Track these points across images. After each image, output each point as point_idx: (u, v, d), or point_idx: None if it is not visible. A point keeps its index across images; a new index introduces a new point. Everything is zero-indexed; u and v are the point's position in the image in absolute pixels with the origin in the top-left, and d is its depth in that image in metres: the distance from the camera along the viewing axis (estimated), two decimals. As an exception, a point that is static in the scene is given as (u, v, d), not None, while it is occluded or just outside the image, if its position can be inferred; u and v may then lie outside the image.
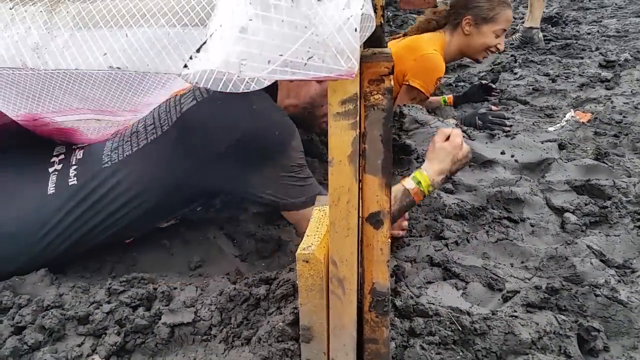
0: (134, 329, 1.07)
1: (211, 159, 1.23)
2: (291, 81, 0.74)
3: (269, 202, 1.27)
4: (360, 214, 0.86)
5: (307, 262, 0.87)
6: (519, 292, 1.23)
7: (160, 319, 1.09)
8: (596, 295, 1.22)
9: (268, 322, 1.03)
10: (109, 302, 1.15)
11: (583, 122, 2.18)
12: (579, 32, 3.91)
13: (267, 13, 0.50)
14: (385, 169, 0.82)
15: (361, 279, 0.90)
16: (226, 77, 0.50)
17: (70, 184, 1.25)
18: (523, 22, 3.69)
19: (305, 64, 0.53)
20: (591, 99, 2.54)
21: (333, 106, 0.77)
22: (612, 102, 2.48)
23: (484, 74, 2.95)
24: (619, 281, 1.30)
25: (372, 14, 0.60)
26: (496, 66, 3.07)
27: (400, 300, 1.11)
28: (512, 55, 3.21)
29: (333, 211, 0.84)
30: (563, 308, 1.19)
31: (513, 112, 2.48)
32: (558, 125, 2.22)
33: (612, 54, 3.20)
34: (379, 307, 0.91)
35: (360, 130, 0.80)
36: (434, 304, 1.14)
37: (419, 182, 1.33)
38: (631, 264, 1.40)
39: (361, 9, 0.58)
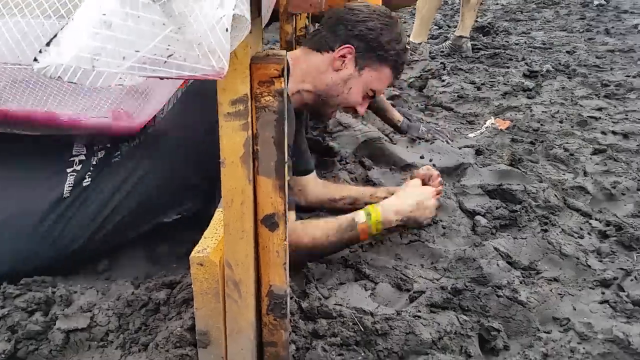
0: (26, 335, 1.02)
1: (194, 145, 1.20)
2: (161, 78, 0.74)
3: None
4: (256, 217, 0.85)
5: (201, 265, 0.86)
6: (424, 292, 1.26)
7: (55, 324, 1.04)
8: (498, 296, 1.27)
9: (167, 327, 1.00)
10: (2, 307, 1.10)
11: (502, 129, 2.27)
12: (508, 42, 4.07)
13: (124, 9, 0.48)
14: (279, 171, 0.82)
15: (258, 281, 0.90)
16: (81, 72, 0.48)
17: (84, 185, 1.22)
18: (454, 31, 3.81)
19: (165, 61, 0.52)
20: (512, 107, 2.65)
21: (223, 106, 0.77)
22: (531, 110, 2.59)
23: (412, 79, 3.01)
24: (522, 282, 1.35)
25: (247, 15, 0.60)
26: (425, 73, 3.14)
27: (307, 302, 1.11)
28: (441, 63, 3.30)
29: (227, 213, 0.83)
30: (466, 308, 1.23)
31: (437, 118, 2.55)
32: (478, 131, 2.30)
33: (536, 65, 3.35)
34: (277, 309, 0.91)
35: (253, 131, 0.79)
36: (341, 305, 1.15)
37: (369, 214, 1.30)
38: (536, 265, 1.47)
39: (233, 9, 0.57)
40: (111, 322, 1.03)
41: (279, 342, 0.94)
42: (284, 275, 0.88)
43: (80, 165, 1.24)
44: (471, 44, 3.76)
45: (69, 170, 1.23)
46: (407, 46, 1.52)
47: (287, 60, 0.82)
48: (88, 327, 1.02)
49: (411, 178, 1.60)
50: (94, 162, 1.25)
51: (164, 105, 1.27)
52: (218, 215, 0.97)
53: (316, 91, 1.47)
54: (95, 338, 1.02)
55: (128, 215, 1.24)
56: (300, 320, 1.05)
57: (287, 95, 0.82)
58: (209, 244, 0.88)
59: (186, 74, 0.53)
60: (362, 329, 1.05)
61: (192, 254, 0.86)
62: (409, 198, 1.41)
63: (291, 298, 1.11)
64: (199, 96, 1.24)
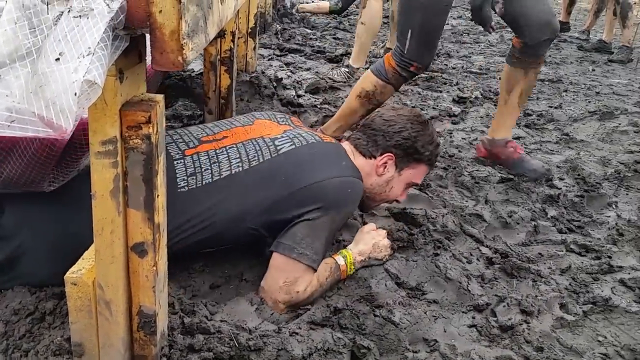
0: None
1: (286, 194, 1.39)
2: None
3: (280, 236, 1.40)
4: (127, 244, 0.94)
5: (75, 284, 0.94)
6: (309, 309, 1.37)
7: (-57, 330, 1.09)
8: (375, 316, 1.39)
9: (50, 335, 1.07)
10: None
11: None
12: (447, 65, 4.26)
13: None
14: (148, 204, 0.91)
15: (130, 301, 0.98)
16: None
17: None
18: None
19: (9, 125, 0.60)
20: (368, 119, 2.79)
21: (94, 145, 0.85)
22: (452, 136, 2.75)
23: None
24: (400, 303, 1.47)
25: (99, 80, 0.68)
26: (362, 92, 3.27)
27: (190, 318, 1.20)
28: (379, 83, 3.44)
29: (98, 240, 0.91)
30: (343, 326, 1.34)
31: (365, 138, 2.67)
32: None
33: (468, 90, 3.54)
34: (147, 327, 1.00)
35: (122, 168, 0.88)
36: (225, 322, 1.25)
37: (345, 257, 1.52)
38: (422, 287, 1.60)
39: (84, 76, 0.66)
40: (-3, 329, 1.10)
41: (149, 356, 1.02)
42: (153, 297, 0.97)
43: None
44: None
45: None
46: (438, 142, 1.72)
47: (160, 105, 0.90)
48: (-26, 333, 1.08)
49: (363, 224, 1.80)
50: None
51: (250, 157, 1.43)
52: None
53: (364, 189, 1.61)
54: (-20, 344, 1.08)
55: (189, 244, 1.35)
56: (179, 335, 1.13)
57: None
58: (84, 266, 0.96)
59: (29, 135, 0.61)
60: (237, 345, 1.15)
61: (67, 274, 0.94)
62: (366, 242, 1.60)
63: (175, 314, 1.19)
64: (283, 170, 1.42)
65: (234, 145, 1.46)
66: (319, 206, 1.39)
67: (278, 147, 1.45)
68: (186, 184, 1.35)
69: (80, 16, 0.74)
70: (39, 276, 1.22)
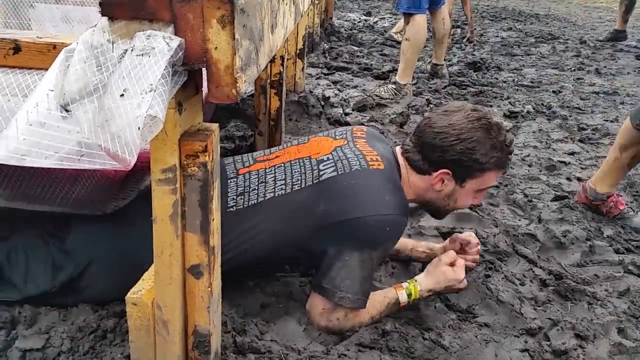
0: (-14, 353, 1.15)
1: (324, 225, 1.33)
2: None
3: (320, 275, 1.34)
4: (184, 266, 0.98)
5: (135, 305, 0.99)
6: (357, 331, 1.37)
7: (14, 343, 1.17)
8: (424, 339, 1.39)
9: (111, 352, 1.13)
10: (-30, 325, 1.23)
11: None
12: (497, 79, 4.20)
13: (47, 120, 0.62)
14: (204, 229, 0.95)
15: (185, 321, 1.02)
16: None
17: None
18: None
19: (79, 159, 0.65)
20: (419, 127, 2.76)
21: (155, 173, 0.90)
22: (503, 152, 2.70)
23: (395, 116, 3.14)
24: (450, 326, 1.46)
25: (160, 114, 0.73)
26: (409, 110, 3.27)
27: (242, 337, 1.23)
28: (427, 100, 3.43)
29: (157, 262, 0.96)
30: (392, 349, 1.34)
31: (413, 156, 2.67)
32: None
33: (519, 104, 3.47)
34: (201, 347, 1.04)
35: (181, 194, 0.92)
36: (274, 341, 1.27)
37: (410, 294, 1.44)
38: (473, 309, 1.58)
39: (147, 111, 0.71)
40: (64, 344, 1.16)
41: (204, 375, 1.06)
42: (207, 317, 1.01)
43: None
44: (460, 80, 3.91)
45: None
46: (507, 142, 1.48)
47: (216, 134, 0.95)
48: (42, 347, 1.15)
49: (450, 242, 1.68)
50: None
51: (294, 180, 1.40)
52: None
53: (425, 202, 1.56)
54: (48, 358, 1.14)
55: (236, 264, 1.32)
56: (231, 354, 1.17)
57: None
58: (144, 287, 1.02)
59: (97, 167, 0.66)
60: (287, 365, 1.17)
61: (128, 294, 0.99)
62: (440, 280, 1.48)
63: (228, 332, 1.23)
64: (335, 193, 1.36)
65: (282, 165, 1.44)
66: (355, 244, 1.33)
67: (321, 172, 1.39)
68: (234, 203, 1.37)
69: (142, 54, 0.79)
70: (102, 293, 1.29)
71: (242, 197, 1.38)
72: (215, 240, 0.99)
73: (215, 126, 0.96)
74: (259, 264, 1.40)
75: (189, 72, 0.88)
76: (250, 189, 1.39)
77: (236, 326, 1.29)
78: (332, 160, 1.41)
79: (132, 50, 0.81)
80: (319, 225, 1.33)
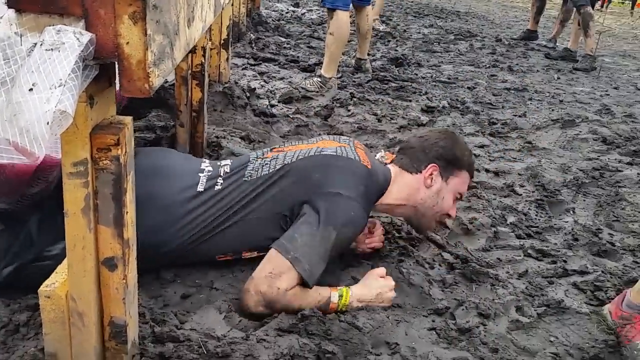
0: None
1: (314, 192, 1.55)
2: None
3: (284, 235, 1.51)
4: (98, 259, 0.99)
5: (48, 297, 0.99)
6: (277, 317, 1.43)
7: None
8: (340, 321, 1.46)
9: (24, 346, 1.12)
10: None
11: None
12: (417, 74, 4.38)
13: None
14: (118, 221, 0.96)
15: (101, 312, 1.03)
16: None
17: (216, 188, 1.58)
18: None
19: (-16, 154, 0.66)
20: (404, 141, 2.90)
21: (66, 167, 0.91)
22: (420, 145, 2.85)
23: (319, 108, 3.21)
24: (366, 309, 1.55)
25: (70, 109, 0.74)
26: (333, 103, 3.36)
27: (160, 327, 1.25)
28: (351, 93, 3.53)
29: (70, 255, 0.96)
30: (310, 332, 1.41)
31: (336, 148, 2.75)
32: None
33: (436, 100, 3.65)
34: (118, 337, 1.05)
35: (93, 188, 0.93)
36: (194, 330, 1.30)
37: (341, 296, 1.52)
38: (386, 293, 1.67)
39: (56, 106, 0.72)
40: (-28, 341, 1.13)
41: (120, 365, 1.08)
42: (123, 308, 1.02)
43: (210, 173, 1.62)
44: (382, 75, 4.05)
45: (201, 175, 1.61)
46: (471, 151, 1.88)
47: (129, 127, 0.96)
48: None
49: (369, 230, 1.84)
50: (221, 174, 1.62)
51: (300, 156, 1.64)
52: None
53: (414, 205, 1.77)
54: (-44, 355, 1.12)
55: (233, 232, 1.55)
56: (150, 343, 1.19)
57: None
58: (57, 279, 1.01)
59: (5, 161, 0.67)
60: (205, 352, 1.21)
61: (41, 287, 0.99)
62: (372, 289, 1.58)
63: (146, 323, 1.25)
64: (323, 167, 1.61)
65: (293, 151, 1.68)
66: (325, 217, 1.51)
67: (322, 151, 1.65)
68: (250, 175, 1.61)
69: (52, 49, 0.79)
70: None
71: (256, 171, 1.62)
72: (130, 233, 1.00)
73: (128, 119, 0.97)
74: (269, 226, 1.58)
75: (102, 65, 0.89)
76: (262, 165, 1.64)
77: (155, 317, 1.31)
78: (334, 149, 1.69)
79: (41, 44, 0.81)
80: (311, 191, 1.56)
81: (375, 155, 2.51)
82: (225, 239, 1.56)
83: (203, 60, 1.94)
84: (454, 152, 1.79)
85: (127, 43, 0.82)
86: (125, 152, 0.94)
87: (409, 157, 1.79)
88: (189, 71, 1.92)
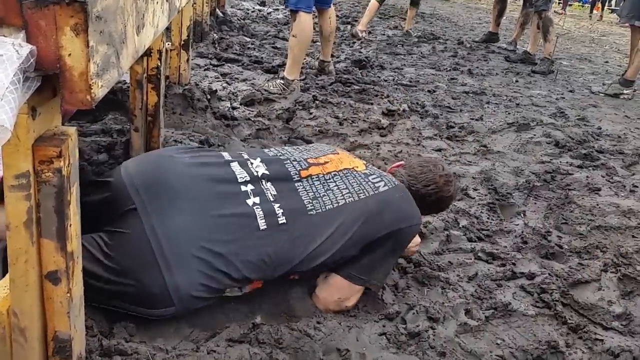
0: None
1: (390, 230, 1.58)
2: None
3: (355, 266, 1.58)
4: (41, 272, 0.98)
5: (-12, 313, 0.97)
6: (229, 327, 1.43)
7: None
8: (292, 329, 1.48)
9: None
10: None
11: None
12: (379, 77, 4.43)
13: None
14: (60, 234, 0.95)
15: (45, 327, 1.02)
16: None
17: (279, 222, 1.45)
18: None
19: None
20: (364, 145, 2.94)
21: (8, 180, 0.89)
22: (379, 148, 2.89)
23: (281, 111, 3.22)
24: (317, 315, 1.57)
25: (8, 123, 0.73)
26: (296, 105, 3.37)
27: (108, 341, 1.25)
28: (313, 96, 3.54)
29: (12, 270, 0.95)
30: (262, 341, 1.42)
31: (296, 151, 2.77)
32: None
33: (397, 103, 3.70)
34: (62, 352, 1.04)
35: (35, 201, 0.92)
36: (143, 343, 1.30)
37: None
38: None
39: (-9, 122, 0.71)
40: None
41: (65, 379, 1.07)
42: (67, 322, 1.01)
43: (258, 198, 1.47)
44: (345, 78, 4.09)
45: (248, 201, 1.45)
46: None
47: (72, 138, 0.95)
48: None
49: None
50: (272, 198, 1.48)
51: (356, 189, 1.60)
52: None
53: None
54: None
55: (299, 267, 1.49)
56: (97, 357, 1.18)
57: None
58: (-2, 294, 1.00)
59: None
60: (155, 363, 1.21)
61: (-19, 302, 0.97)
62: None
63: (94, 336, 1.24)
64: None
65: (336, 174, 1.62)
66: (397, 246, 1.64)
67: (376, 185, 1.62)
68: (312, 207, 1.51)
69: (-12, 63, 0.78)
70: None
71: (317, 201, 1.53)
72: (74, 245, 1.00)
73: (72, 130, 0.96)
74: (335, 262, 1.56)
75: (45, 76, 0.88)
76: (321, 195, 1.55)
77: (103, 329, 1.30)
78: (376, 175, 1.67)
79: (-23, 57, 0.80)
80: (387, 230, 1.58)
81: None
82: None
83: (159, 64, 1.92)
84: (445, 206, 1.91)
85: (69, 55, 0.82)
86: (69, 163, 0.93)
87: (412, 182, 1.79)
88: (144, 75, 1.90)
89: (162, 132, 2.11)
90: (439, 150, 3.04)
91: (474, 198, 2.49)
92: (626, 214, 2.50)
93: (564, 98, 4.70)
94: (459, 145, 3.17)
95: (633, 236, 2.36)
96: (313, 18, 3.74)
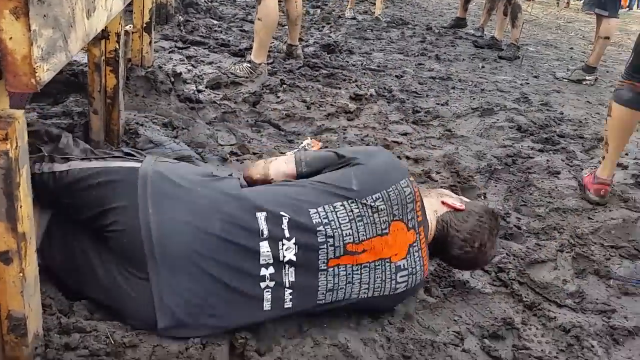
0: None
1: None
2: None
3: None
4: (-8, 253, 0.97)
5: (-62, 294, 0.97)
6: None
7: None
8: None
9: None
10: None
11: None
12: (347, 62, 4.44)
13: None
14: (10, 216, 0.95)
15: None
16: None
17: (285, 306, 1.43)
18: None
19: None
20: (330, 129, 2.95)
21: (-46, 161, 0.88)
22: (345, 133, 2.92)
23: (247, 95, 3.21)
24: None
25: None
26: (263, 89, 3.36)
27: (69, 318, 1.25)
28: (281, 80, 3.54)
29: (-40, 250, 0.94)
30: (222, 320, 1.44)
31: (262, 135, 2.77)
32: (294, 150, 2.55)
33: (365, 88, 3.72)
34: (16, 330, 1.04)
35: (-17, 182, 0.92)
36: (103, 320, 1.30)
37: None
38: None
39: None
40: None
41: (21, 357, 1.07)
42: (21, 301, 1.02)
43: (273, 282, 1.40)
44: (313, 62, 4.09)
45: (262, 284, 1.40)
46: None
47: (20, 121, 0.94)
48: None
49: None
50: (287, 285, 1.42)
51: (375, 287, 1.52)
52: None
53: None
54: None
55: None
56: (55, 334, 1.18)
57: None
58: (-51, 275, 0.99)
59: None
60: (113, 342, 1.21)
61: None
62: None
63: (53, 314, 1.24)
64: None
65: (367, 265, 1.50)
66: None
67: (397, 286, 1.54)
68: (324, 298, 1.47)
69: None
70: None
71: (331, 293, 1.48)
72: (26, 227, 0.99)
73: (19, 113, 0.95)
74: None
75: (-11, 59, 0.87)
76: (339, 287, 1.48)
77: (63, 308, 1.30)
78: (407, 273, 1.56)
79: None
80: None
81: (302, 143, 2.56)
82: None
83: (117, 46, 1.89)
84: (461, 267, 1.85)
85: (10, 38, 0.81)
86: (16, 146, 0.92)
87: (451, 240, 1.68)
88: (102, 57, 1.88)
89: (123, 115, 2.09)
90: (405, 134, 3.08)
91: (437, 181, 2.54)
92: (584, 197, 2.59)
93: (528, 83, 4.79)
94: (424, 130, 3.21)
95: (589, 217, 2.45)
96: (279, 1, 3.71)
